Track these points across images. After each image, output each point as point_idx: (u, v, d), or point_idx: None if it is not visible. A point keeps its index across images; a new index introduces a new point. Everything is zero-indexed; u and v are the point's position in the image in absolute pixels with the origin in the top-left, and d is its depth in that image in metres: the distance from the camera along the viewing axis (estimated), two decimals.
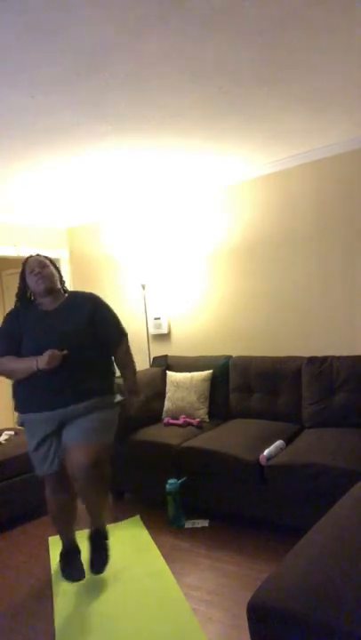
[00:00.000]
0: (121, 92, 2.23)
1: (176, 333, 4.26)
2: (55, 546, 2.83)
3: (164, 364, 3.91)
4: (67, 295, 2.49)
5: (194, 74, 2.12)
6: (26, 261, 2.45)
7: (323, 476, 2.47)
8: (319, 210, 3.41)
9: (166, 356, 3.99)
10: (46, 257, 2.51)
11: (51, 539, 2.93)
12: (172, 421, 3.43)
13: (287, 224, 3.57)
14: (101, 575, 2.46)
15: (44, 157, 2.98)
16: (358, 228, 3.25)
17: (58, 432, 2.34)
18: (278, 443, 2.83)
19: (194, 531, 2.87)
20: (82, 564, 2.49)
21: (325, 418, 3.05)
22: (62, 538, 2.56)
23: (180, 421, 3.39)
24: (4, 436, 3.54)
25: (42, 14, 1.62)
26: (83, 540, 2.57)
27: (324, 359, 3.18)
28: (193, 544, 2.72)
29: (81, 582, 2.43)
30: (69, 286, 4.86)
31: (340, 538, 1.47)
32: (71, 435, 2.30)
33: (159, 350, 4.36)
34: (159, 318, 4.31)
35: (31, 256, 2.48)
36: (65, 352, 2.24)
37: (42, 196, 3.82)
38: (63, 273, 4.85)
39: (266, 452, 2.71)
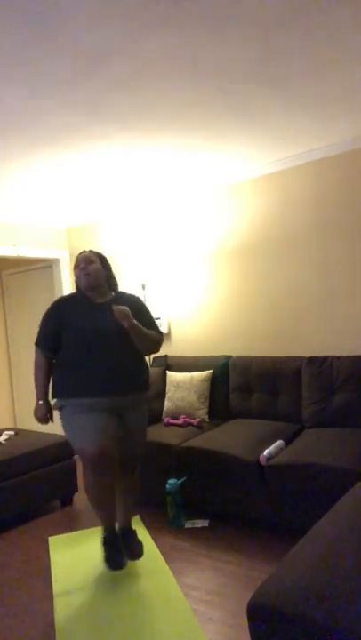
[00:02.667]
0: (121, 92, 2.23)
1: (176, 333, 4.26)
2: (55, 546, 2.83)
3: (164, 364, 3.91)
4: (113, 294, 2.60)
5: (194, 74, 2.12)
6: (77, 257, 2.57)
7: (323, 476, 2.47)
8: (320, 210, 3.41)
9: (166, 356, 3.99)
10: (97, 253, 2.61)
11: (51, 539, 2.93)
12: (172, 421, 3.43)
13: (287, 224, 3.57)
14: (101, 575, 2.47)
15: (44, 157, 2.98)
16: (359, 227, 3.25)
17: (114, 412, 2.42)
18: (278, 443, 2.83)
19: (194, 531, 2.87)
20: (123, 553, 2.47)
21: (325, 418, 3.05)
22: (105, 521, 2.48)
23: (180, 421, 3.39)
24: (4, 436, 3.54)
25: (42, 14, 1.62)
26: (85, 540, 2.56)
27: (324, 359, 3.19)
28: (193, 544, 2.72)
29: (81, 582, 2.44)
30: (69, 287, 4.87)
31: (340, 538, 1.47)
32: (133, 422, 2.48)
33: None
34: (159, 318, 4.30)
35: (82, 252, 2.59)
36: (47, 421, 2.56)
37: (42, 195, 3.82)
38: (63, 274, 4.92)
39: (266, 452, 2.71)
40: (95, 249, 4.80)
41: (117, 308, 2.35)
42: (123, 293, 2.66)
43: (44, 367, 2.55)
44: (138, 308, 2.55)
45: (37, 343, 2.57)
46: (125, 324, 2.35)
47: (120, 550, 2.46)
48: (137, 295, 2.71)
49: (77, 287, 2.61)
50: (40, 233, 4.80)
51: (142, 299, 2.69)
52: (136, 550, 2.52)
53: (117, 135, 2.73)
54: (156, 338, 2.56)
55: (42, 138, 2.68)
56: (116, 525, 2.53)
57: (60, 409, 2.45)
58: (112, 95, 2.25)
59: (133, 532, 2.60)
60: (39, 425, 2.62)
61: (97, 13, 1.64)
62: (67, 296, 2.64)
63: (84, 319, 2.46)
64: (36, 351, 2.57)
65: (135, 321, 2.39)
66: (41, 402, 2.55)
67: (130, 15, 1.67)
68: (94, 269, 2.51)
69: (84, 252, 2.59)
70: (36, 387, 2.55)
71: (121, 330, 2.39)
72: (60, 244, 4.99)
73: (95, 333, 2.40)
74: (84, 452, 2.32)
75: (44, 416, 2.54)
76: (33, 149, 2.84)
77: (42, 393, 2.55)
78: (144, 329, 2.46)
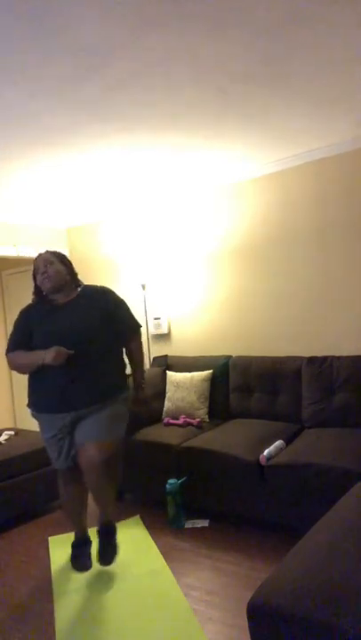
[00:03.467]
0: (121, 92, 2.23)
1: (176, 333, 4.26)
2: (55, 546, 2.83)
3: (164, 364, 3.91)
4: (79, 290, 2.50)
5: (194, 74, 2.12)
6: (35, 260, 2.48)
7: (323, 476, 2.47)
8: (320, 209, 3.41)
9: (166, 355, 3.99)
10: (55, 253, 2.51)
11: (51, 539, 2.93)
12: (172, 421, 3.43)
13: (287, 224, 3.57)
14: (101, 575, 2.47)
15: (44, 157, 2.98)
16: (359, 227, 3.25)
17: (71, 427, 2.37)
18: (278, 443, 2.83)
19: (194, 531, 2.87)
20: (90, 556, 2.53)
21: (325, 418, 3.05)
22: (74, 528, 2.60)
23: (180, 421, 3.39)
24: (4, 436, 3.54)
25: (42, 14, 1.62)
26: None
27: (324, 359, 3.18)
28: (193, 544, 2.72)
29: (81, 582, 2.44)
30: None
31: (340, 538, 1.47)
32: (83, 432, 2.34)
33: (159, 350, 4.36)
34: (159, 318, 4.31)
35: (40, 254, 2.49)
36: (71, 352, 2.25)
37: (42, 195, 3.82)
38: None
39: (266, 452, 2.71)
40: (95, 249, 4.81)
41: (137, 401, 2.60)
42: (87, 287, 2.53)
43: (21, 352, 2.37)
44: (108, 300, 2.46)
45: (8, 351, 2.41)
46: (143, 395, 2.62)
47: (82, 554, 2.53)
48: (106, 287, 2.58)
49: (38, 292, 2.48)
50: (40, 233, 4.80)
51: (113, 290, 2.58)
52: (106, 555, 2.45)
53: (117, 135, 2.73)
54: (141, 348, 2.60)
55: (42, 138, 2.67)
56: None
57: (34, 417, 2.46)
58: (112, 95, 2.25)
59: (109, 533, 2.47)
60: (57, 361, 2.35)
61: (97, 13, 1.64)
62: (31, 304, 2.51)
63: (46, 324, 2.36)
64: (8, 357, 2.41)
65: (143, 386, 2.61)
66: (40, 356, 2.27)
67: (130, 15, 1.67)
68: (55, 270, 2.41)
69: (40, 254, 2.47)
70: (30, 361, 2.31)
71: (87, 328, 2.31)
72: (60, 243, 4.99)
73: (57, 336, 2.29)
74: (55, 467, 2.49)
75: (60, 353, 2.22)
76: (33, 149, 2.84)
77: (32, 355, 2.31)
78: (141, 367, 2.60)
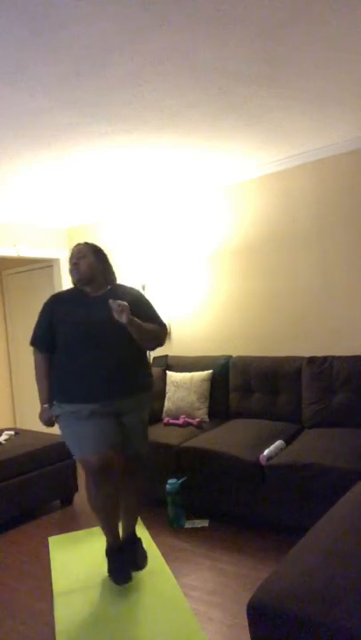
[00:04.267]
0: (121, 92, 2.23)
1: (176, 333, 4.26)
2: (55, 546, 2.83)
3: (164, 364, 3.91)
4: (109, 287, 2.49)
5: (194, 74, 2.12)
6: (72, 248, 2.50)
7: (323, 476, 2.47)
8: (320, 210, 3.41)
9: (166, 356, 3.99)
10: (92, 245, 2.51)
11: (51, 539, 2.93)
12: (172, 421, 3.43)
13: (288, 224, 3.57)
14: (101, 575, 2.47)
15: (44, 157, 2.98)
16: (359, 227, 3.25)
17: (114, 416, 2.33)
18: (278, 443, 2.83)
19: (194, 531, 2.87)
20: (129, 565, 2.38)
21: (325, 418, 3.05)
22: (108, 534, 2.38)
23: (180, 421, 3.38)
24: (4, 436, 3.54)
25: (42, 14, 1.62)
26: (87, 540, 2.56)
27: (324, 359, 3.18)
28: (193, 544, 2.72)
29: (81, 582, 2.43)
30: (68, 287, 4.86)
31: (340, 538, 1.47)
32: (134, 426, 2.40)
33: (159, 350, 4.35)
34: None
35: (77, 244, 2.51)
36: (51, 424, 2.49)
37: (42, 195, 3.82)
38: (63, 274, 4.91)
39: (266, 452, 2.71)
40: None
41: (114, 302, 2.18)
42: (119, 286, 2.53)
43: (43, 367, 2.45)
44: (136, 300, 2.42)
45: (32, 342, 2.49)
46: (123, 318, 2.17)
47: (125, 562, 2.36)
48: (136, 288, 2.58)
49: (73, 281, 2.54)
50: (40, 233, 4.80)
51: (142, 292, 2.60)
52: (139, 561, 2.44)
53: (117, 135, 2.73)
54: (157, 332, 2.41)
55: (42, 138, 2.67)
56: (120, 534, 2.45)
57: (57, 417, 2.37)
58: (112, 95, 2.25)
59: (138, 541, 2.52)
60: (41, 426, 2.55)
61: (97, 13, 1.64)
62: (61, 292, 2.58)
63: (77, 314, 2.36)
64: (34, 352, 2.50)
65: (133, 317, 2.24)
66: (45, 405, 2.45)
67: (130, 15, 1.67)
68: (86, 263, 2.42)
69: (79, 244, 2.50)
70: (39, 390, 2.48)
71: (118, 324, 2.23)
72: (60, 243, 4.99)
73: (89, 328, 2.30)
74: (84, 463, 2.25)
75: (49, 419, 2.45)
76: (33, 149, 2.84)
77: (45, 396, 2.46)
78: (143, 323, 2.31)
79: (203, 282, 4.06)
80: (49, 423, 2.46)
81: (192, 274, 4.12)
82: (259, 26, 1.80)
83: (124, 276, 4.56)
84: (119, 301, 2.20)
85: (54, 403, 2.38)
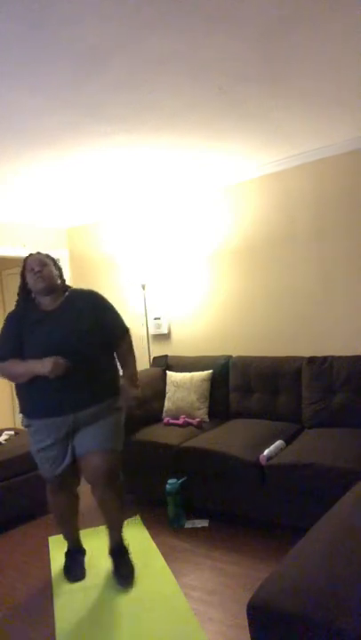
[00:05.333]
0: (121, 92, 2.23)
1: (176, 333, 4.26)
2: (55, 546, 2.83)
3: (164, 364, 3.91)
4: (66, 294, 2.44)
5: (194, 74, 2.12)
6: (26, 259, 2.41)
7: (323, 476, 2.47)
8: (320, 210, 3.41)
9: (166, 355, 3.99)
10: (47, 255, 2.47)
11: (51, 539, 2.93)
12: (172, 421, 3.43)
13: (287, 224, 3.57)
14: (101, 575, 2.47)
15: (44, 157, 2.98)
16: (359, 228, 3.25)
17: (68, 437, 2.31)
18: (278, 443, 2.83)
19: (194, 531, 2.87)
20: (83, 565, 2.54)
21: (325, 418, 3.05)
22: (66, 537, 2.59)
23: (180, 421, 3.38)
24: (4, 436, 3.54)
25: (42, 14, 1.62)
26: (87, 540, 2.56)
27: (324, 359, 3.18)
28: (193, 544, 2.72)
29: (81, 582, 2.44)
30: None
31: (340, 538, 1.47)
32: (86, 441, 2.30)
33: (159, 350, 4.36)
34: (159, 318, 4.31)
35: (31, 254, 2.44)
36: (68, 364, 2.22)
37: (42, 196, 3.82)
38: (63, 273, 4.90)
39: (266, 452, 2.71)
40: (95, 249, 4.81)
41: (127, 399, 2.45)
42: (74, 290, 2.48)
43: (15, 362, 2.29)
44: (96, 306, 2.42)
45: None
46: (133, 402, 2.49)
47: (76, 564, 2.53)
48: (93, 290, 2.52)
49: (25, 292, 2.44)
50: (40, 233, 4.80)
51: (101, 294, 2.54)
52: (125, 575, 2.38)
53: (117, 135, 2.73)
54: (133, 352, 2.52)
55: (42, 138, 2.67)
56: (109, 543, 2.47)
57: (28, 427, 2.37)
58: (112, 95, 2.25)
59: (124, 553, 2.46)
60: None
61: (97, 13, 1.64)
62: (16, 309, 2.45)
63: (37, 334, 2.29)
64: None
65: (135, 383, 2.48)
66: (37, 366, 2.22)
67: (130, 15, 1.67)
68: (49, 272, 2.37)
69: (32, 254, 2.42)
70: (25, 370, 2.25)
71: (78, 336, 2.27)
72: (60, 243, 4.99)
73: (49, 347, 2.23)
74: (42, 476, 2.44)
75: (57, 365, 2.19)
76: (33, 149, 2.84)
77: (28, 365, 2.25)
78: (133, 364, 2.51)
79: (203, 282, 4.06)
80: (63, 365, 2.22)
81: (192, 274, 4.12)
82: (259, 26, 1.80)
83: (124, 275, 4.56)
84: (132, 395, 2.46)
85: (24, 417, 2.38)
